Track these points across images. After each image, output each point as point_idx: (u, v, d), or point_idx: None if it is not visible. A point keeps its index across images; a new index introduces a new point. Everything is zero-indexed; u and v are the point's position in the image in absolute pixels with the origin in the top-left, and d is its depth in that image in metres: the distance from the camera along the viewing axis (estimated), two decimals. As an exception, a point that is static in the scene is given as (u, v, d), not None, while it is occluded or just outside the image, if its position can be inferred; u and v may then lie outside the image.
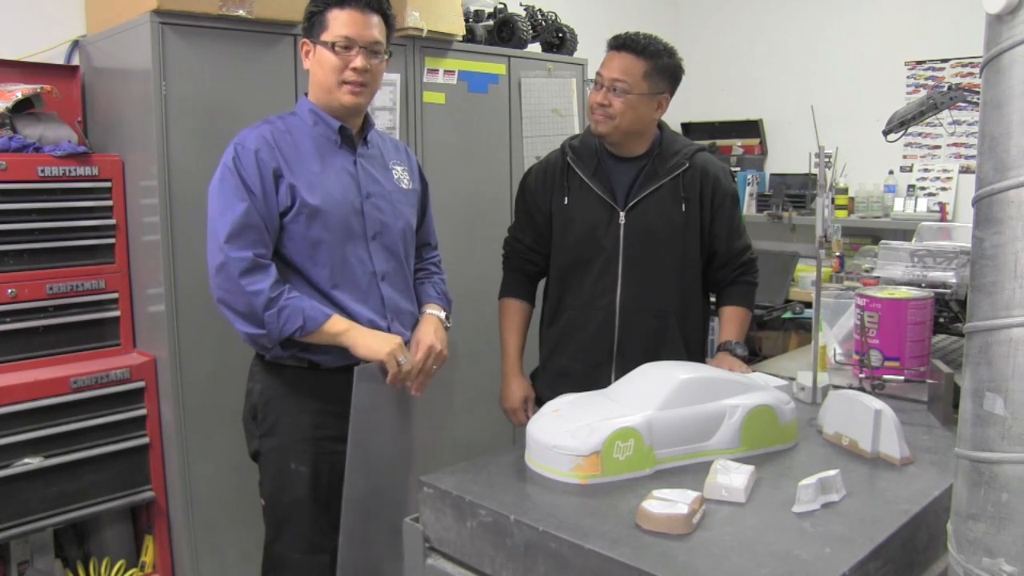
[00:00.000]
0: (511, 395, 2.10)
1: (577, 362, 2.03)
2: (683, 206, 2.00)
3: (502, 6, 3.26)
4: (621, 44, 1.94)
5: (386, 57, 1.79)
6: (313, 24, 1.74)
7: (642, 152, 2.02)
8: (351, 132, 1.80)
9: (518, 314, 2.13)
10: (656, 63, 1.93)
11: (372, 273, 1.77)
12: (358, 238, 1.76)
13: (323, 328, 1.67)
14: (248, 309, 1.64)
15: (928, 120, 2.15)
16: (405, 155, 1.98)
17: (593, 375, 1.90)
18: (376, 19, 1.74)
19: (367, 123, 1.86)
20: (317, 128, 1.78)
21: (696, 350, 2.08)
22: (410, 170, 1.94)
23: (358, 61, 1.71)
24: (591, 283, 2.01)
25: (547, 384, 2.04)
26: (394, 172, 1.88)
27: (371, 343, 1.69)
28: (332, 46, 1.70)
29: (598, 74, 1.96)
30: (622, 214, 1.99)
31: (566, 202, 2.02)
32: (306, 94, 1.83)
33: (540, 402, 2.00)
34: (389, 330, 1.78)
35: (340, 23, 1.71)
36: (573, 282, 2.03)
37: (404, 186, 1.88)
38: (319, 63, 1.74)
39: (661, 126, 2.05)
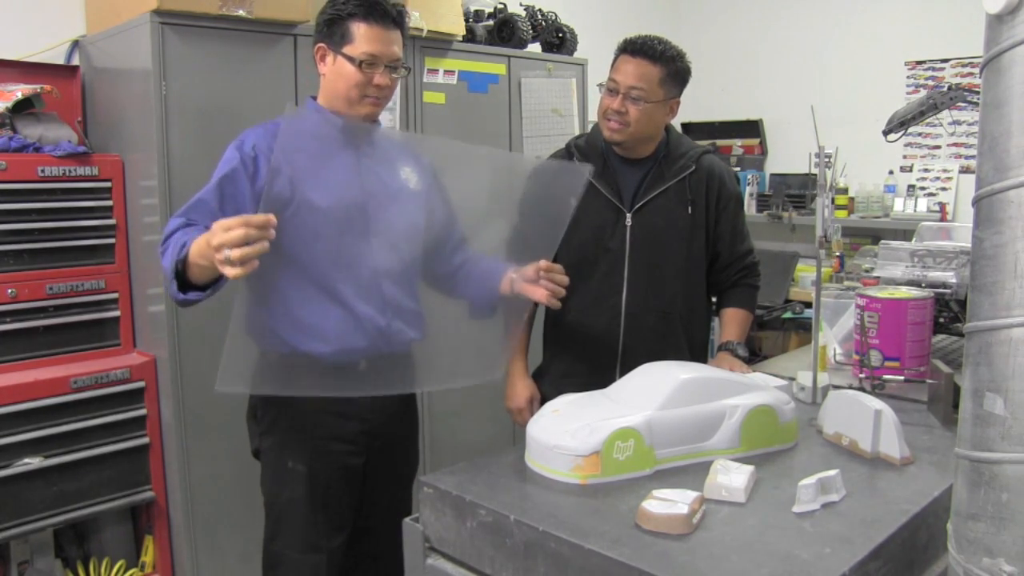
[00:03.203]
0: (516, 395, 2.10)
1: (582, 363, 2.03)
2: (689, 208, 2.00)
3: (502, 6, 3.26)
4: (636, 49, 1.91)
5: (405, 72, 1.80)
6: (333, 31, 1.72)
7: (649, 154, 2.02)
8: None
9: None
10: (670, 68, 1.92)
11: (374, 270, 1.77)
12: (360, 234, 1.76)
13: (190, 251, 1.49)
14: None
15: (928, 120, 2.15)
16: (415, 159, 1.98)
17: (597, 376, 1.89)
18: (397, 34, 1.75)
19: (373, 122, 1.86)
20: (321, 127, 1.79)
21: (699, 351, 2.08)
22: (419, 171, 1.94)
23: (383, 79, 1.72)
24: (596, 284, 2.01)
25: (551, 384, 2.04)
26: (401, 172, 1.87)
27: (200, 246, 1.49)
28: (359, 63, 1.70)
29: (612, 79, 1.93)
30: (628, 215, 1.99)
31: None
32: (312, 97, 1.82)
33: (544, 403, 1.99)
34: (390, 327, 1.77)
35: (365, 39, 1.70)
36: (578, 283, 2.02)
37: (412, 186, 1.87)
38: (340, 74, 1.73)
39: (667, 128, 2.05)
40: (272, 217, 1.39)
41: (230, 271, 1.36)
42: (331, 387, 1.73)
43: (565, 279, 1.76)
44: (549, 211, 1.79)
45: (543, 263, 1.74)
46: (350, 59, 1.70)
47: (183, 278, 1.52)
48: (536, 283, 1.74)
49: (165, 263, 1.54)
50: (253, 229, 1.35)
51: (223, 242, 1.34)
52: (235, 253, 1.34)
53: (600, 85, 1.98)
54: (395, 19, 1.74)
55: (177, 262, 1.50)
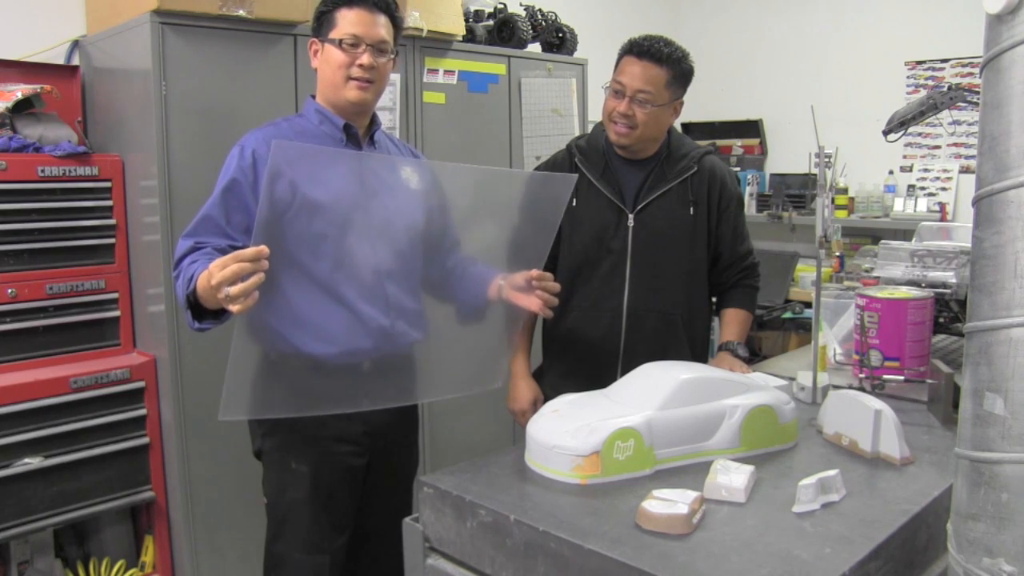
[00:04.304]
0: (519, 396, 2.10)
1: (583, 363, 2.02)
2: (691, 209, 2.00)
3: (502, 6, 3.26)
4: (643, 51, 1.89)
5: (392, 56, 1.80)
6: (322, 24, 1.77)
7: (651, 154, 2.01)
8: (356, 131, 1.81)
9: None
10: (676, 70, 1.91)
11: (377, 271, 1.77)
12: (363, 235, 1.76)
13: (197, 285, 1.52)
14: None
15: (928, 120, 2.15)
16: (413, 157, 1.98)
17: (599, 376, 1.89)
18: (383, 19, 1.77)
19: (374, 123, 1.87)
20: (323, 127, 1.79)
21: (700, 352, 2.08)
22: (419, 171, 1.94)
23: (365, 58, 1.73)
24: (598, 284, 2.01)
25: (552, 385, 2.04)
26: (402, 172, 1.87)
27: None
28: (340, 43, 1.73)
29: (617, 82, 1.92)
30: (631, 216, 1.99)
31: (574, 203, 2.02)
32: (313, 96, 1.83)
33: (544, 403, 1.99)
34: (393, 328, 1.77)
35: (348, 21, 1.73)
36: (580, 283, 2.03)
37: (412, 186, 1.87)
38: (326, 60, 1.76)
39: (668, 128, 2.05)
40: (264, 248, 1.43)
41: (233, 307, 1.43)
42: (333, 398, 1.73)
43: (556, 287, 1.76)
44: (537, 221, 1.80)
45: (534, 272, 1.74)
46: (333, 42, 1.73)
47: (196, 307, 1.57)
48: (526, 291, 1.74)
49: (178, 294, 1.61)
50: (246, 263, 1.41)
51: (220, 280, 1.41)
52: (233, 290, 1.41)
53: (605, 87, 1.97)
54: (376, 3, 1.75)
55: (188, 295, 1.56)
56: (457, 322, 1.93)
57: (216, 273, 1.42)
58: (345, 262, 1.74)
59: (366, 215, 1.76)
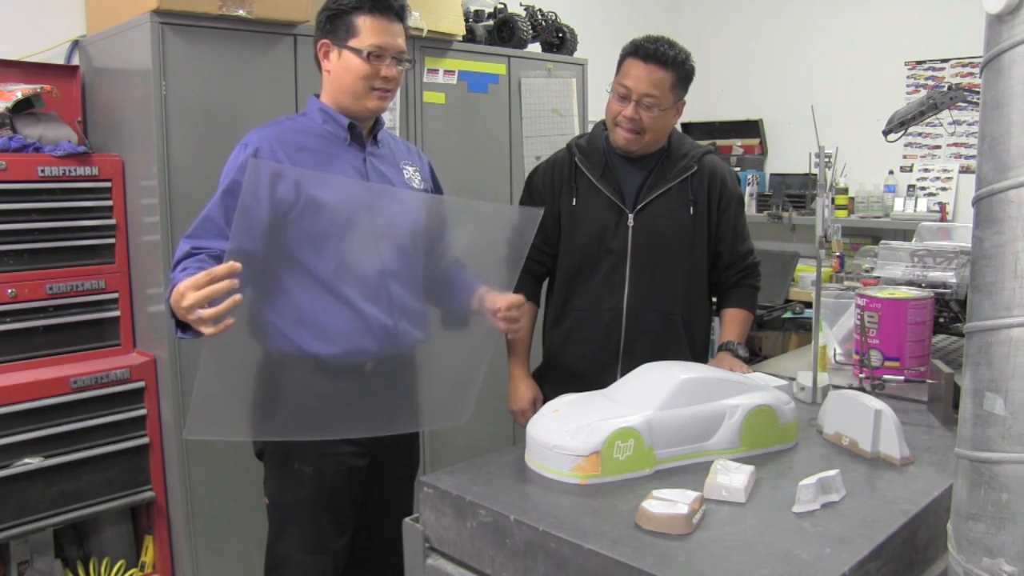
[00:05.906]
0: (519, 396, 2.10)
1: (583, 363, 2.03)
2: (691, 209, 2.00)
3: (502, 6, 3.26)
4: (648, 55, 1.88)
5: (409, 65, 1.81)
6: (336, 26, 1.74)
7: (651, 154, 2.01)
8: (360, 130, 1.81)
9: (525, 315, 2.12)
10: (680, 72, 1.91)
11: (381, 271, 1.77)
12: (367, 235, 1.76)
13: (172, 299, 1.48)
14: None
15: (928, 120, 2.15)
16: (418, 158, 1.99)
17: (599, 376, 1.89)
18: (400, 27, 1.77)
19: (377, 122, 1.86)
20: (327, 126, 1.79)
21: (701, 352, 2.08)
22: (422, 172, 1.94)
23: (390, 71, 1.74)
24: (598, 284, 2.01)
25: (552, 385, 2.04)
26: (405, 172, 1.88)
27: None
28: (366, 55, 1.71)
29: (622, 85, 1.91)
30: (631, 216, 1.98)
31: (574, 203, 2.02)
32: (316, 95, 1.83)
33: (544, 403, 1.99)
34: (396, 328, 1.77)
35: (371, 31, 1.71)
36: (580, 283, 2.03)
37: (415, 186, 1.88)
38: (346, 68, 1.74)
39: None
40: (235, 264, 1.41)
41: (206, 330, 1.41)
42: (331, 407, 1.73)
43: (519, 314, 1.78)
44: (504, 251, 1.81)
45: (500, 304, 1.75)
46: (357, 52, 1.71)
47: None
48: (496, 317, 1.77)
49: (167, 302, 1.58)
50: (218, 285, 1.39)
51: (192, 303, 1.39)
52: (206, 313, 1.39)
53: (608, 90, 1.97)
54: (397, 12, 1.75)
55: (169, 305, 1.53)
56: (442, 327, 1.94)
57: (189, 295, 1.40)
58: (349, 261, 1.73)
59: (371, 215, 1.76)
